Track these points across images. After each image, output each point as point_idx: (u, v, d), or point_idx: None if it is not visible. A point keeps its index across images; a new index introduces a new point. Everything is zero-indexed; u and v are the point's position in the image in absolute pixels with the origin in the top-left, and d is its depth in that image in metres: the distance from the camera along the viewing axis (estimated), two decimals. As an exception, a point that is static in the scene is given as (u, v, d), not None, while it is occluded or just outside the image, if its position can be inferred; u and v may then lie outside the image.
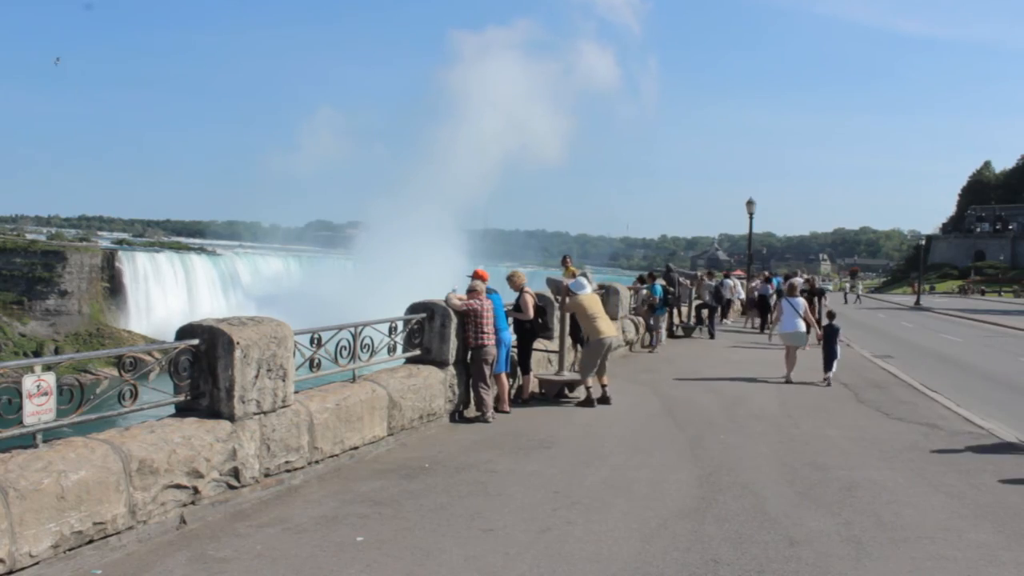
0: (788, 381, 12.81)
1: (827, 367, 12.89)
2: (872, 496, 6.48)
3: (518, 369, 10.38)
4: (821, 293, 21.14)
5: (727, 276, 27.54)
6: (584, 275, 11.50)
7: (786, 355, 13.31)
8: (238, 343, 5.67)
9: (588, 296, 10.58)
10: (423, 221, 77.60)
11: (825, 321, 13.97)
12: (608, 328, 10.49)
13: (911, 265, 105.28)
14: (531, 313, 10.05)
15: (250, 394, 5.80)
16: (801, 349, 13.41)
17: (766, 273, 30.07)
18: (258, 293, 64.74)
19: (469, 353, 9.04)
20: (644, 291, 17.95)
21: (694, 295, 21.99)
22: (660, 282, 18.31)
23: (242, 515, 5.57)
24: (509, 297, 10.28)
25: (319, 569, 4.74)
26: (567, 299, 10.65)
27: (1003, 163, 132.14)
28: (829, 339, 13.08)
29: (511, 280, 10.42)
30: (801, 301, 13.76)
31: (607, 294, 15.46)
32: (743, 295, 25.90)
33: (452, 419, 8.88)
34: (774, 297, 20.50)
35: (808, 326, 13.71)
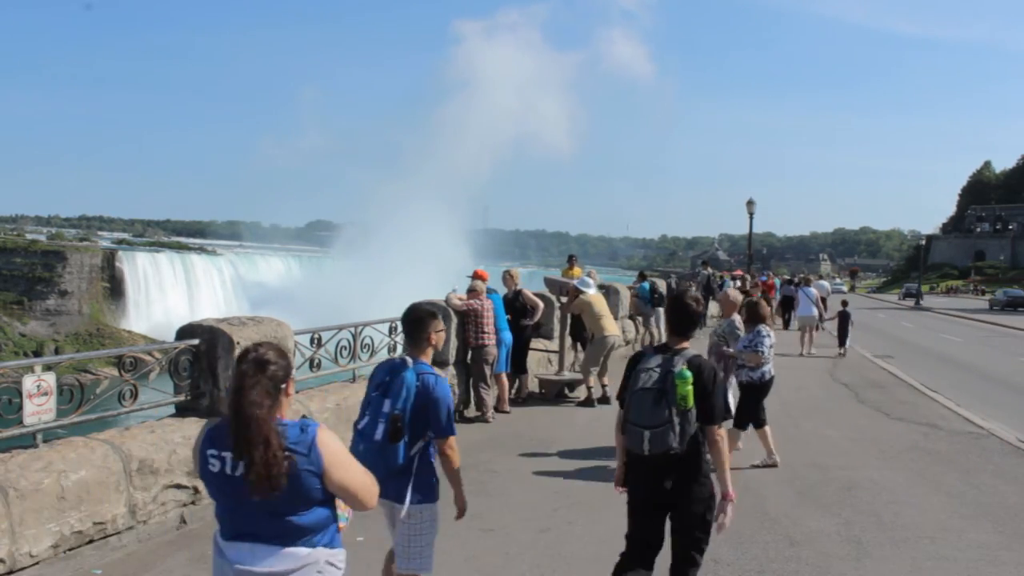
0: (808, 355, 16.16)
1: (841, 343, 16.85)
2: (872, 496, 6.48)
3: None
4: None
5: (732, 277, 27.46)
6: (588, 275, 11.55)
7: (801, 335, 17.07)
8: (238, 343, 5.67)
9: (595, 295, 10.58)
10: (424, 217, 77.65)
11: (840, 308, 17.30)
12: (613, 327, 10.48)
13: (911, 265, 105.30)
14: (539, 313, 10.03)
15: (250, 394, 5.79)
16: (814, 329, 17.13)
17: (786, 276, 31.48)
18: (258, 293, 64.61)
19: (469, 353, 9.03)
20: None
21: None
22: (659, 282, 18.26)
23: (242, 515, 5.56)
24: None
25: (319, 569, 4.73)
26: (573, 298, 10.62)
27: (1003, 163, 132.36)
28: (843, 322, 16.89)
29: (508, 278, 10.32)
30: (814, 291, 17.79)
31: (607, 294, 15.43)
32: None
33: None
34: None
35: (820, 312, 17.51)
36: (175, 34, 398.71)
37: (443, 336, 3.78)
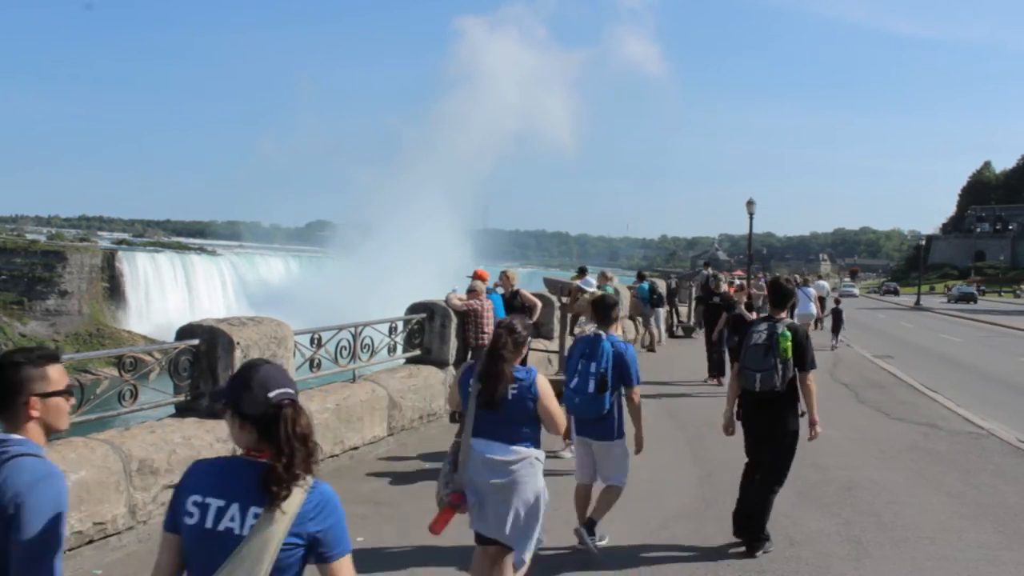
0: None
1: (834, 337, 18.27)
2: (872, 496, 6.48)
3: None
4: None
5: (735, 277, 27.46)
6: (605, 276, 11.64)
7: None
8: (238, 343, 5.67)
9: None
10: (426, 215, 77.74)
11: (832, 305, 19.26)
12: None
13: (911, 265, 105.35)
14: (537, 313, 10.02)
15: (250, 394, 5.79)
16: (810, 327, 17.63)
17: (796, 277, 32.09)
18: (258, 293, 64.57)
19: (469, 353, 9.03)
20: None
21: (695, 293, 21.99)
22: (659, 282, 18.26)
23: (242, 515, 5.55)
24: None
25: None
26: (576, 298, 10.60)
27: (1003, 163, 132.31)
28: (836, 319, 18.48)
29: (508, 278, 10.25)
30: (812, 291, 18.33)
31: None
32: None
33: (452, 419, 8.87)
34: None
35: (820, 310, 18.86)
36: (175, 34, 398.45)
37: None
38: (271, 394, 2.03)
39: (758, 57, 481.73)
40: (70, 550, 4.50)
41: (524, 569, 3.98)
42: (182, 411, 5.71)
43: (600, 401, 4.86)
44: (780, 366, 4.94)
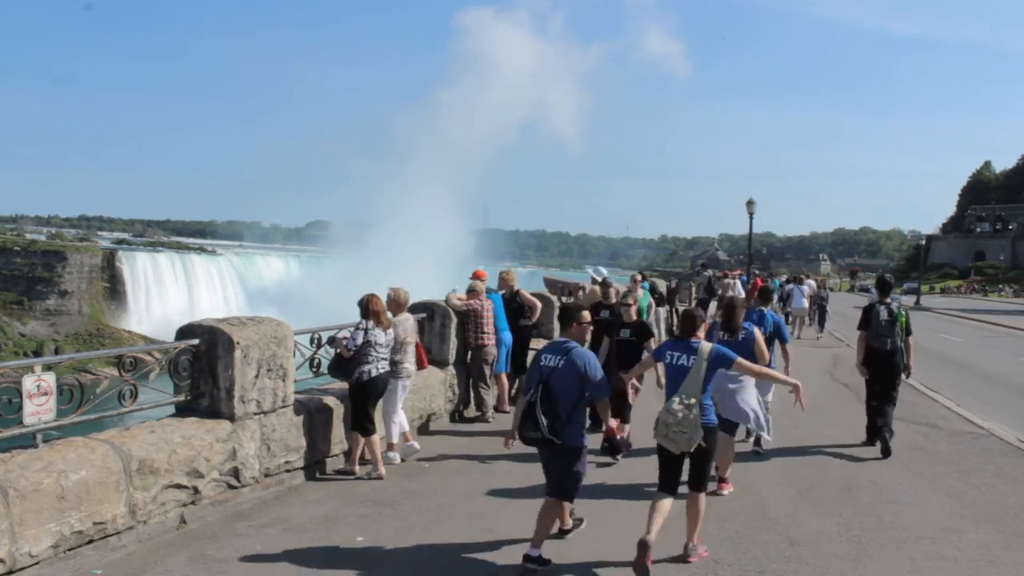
0: (797, 338, 18.74)
1: (820, 330, 21.08)
2: (872, 496, 6.48)
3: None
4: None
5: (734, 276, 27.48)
6: (604, 279, 11.78)
7: (794, 323, 20.21)
8: (238, 343, 5.67)
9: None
10: (425, 213, 77.89)
11: (818, 302, 21.89)
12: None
13: (911, 265, 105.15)
14: (537, 313, 10.01)
15: (250, 394, 5.80)
16: (804, 320, 21.01)
17: (785, 276, 33.16)
18: (258, 293, 64.60)
19: (469, 353, 9.03)
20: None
21: (696, 294, 22.00)
22: (659, 282, 18.26)
23: (242, 515, 5.57)
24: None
25: (319, 569, 4.74)
26: (577, 296, 10.64)
27: (1003, 163, 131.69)
28: (821, 312, 21.38)
29: (505, 279, 10.20)
30: (805, 288, 21.47)
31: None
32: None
33: (452, 419, 8.88)
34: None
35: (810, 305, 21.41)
36: (175, 34, 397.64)
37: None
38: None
39: (758, 57, 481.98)
40: (70, 550, 4.50)
41: (768, 442, 7.38)
42: (182, 411, 5.71)
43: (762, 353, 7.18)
44: (899, 333, 7.85)
